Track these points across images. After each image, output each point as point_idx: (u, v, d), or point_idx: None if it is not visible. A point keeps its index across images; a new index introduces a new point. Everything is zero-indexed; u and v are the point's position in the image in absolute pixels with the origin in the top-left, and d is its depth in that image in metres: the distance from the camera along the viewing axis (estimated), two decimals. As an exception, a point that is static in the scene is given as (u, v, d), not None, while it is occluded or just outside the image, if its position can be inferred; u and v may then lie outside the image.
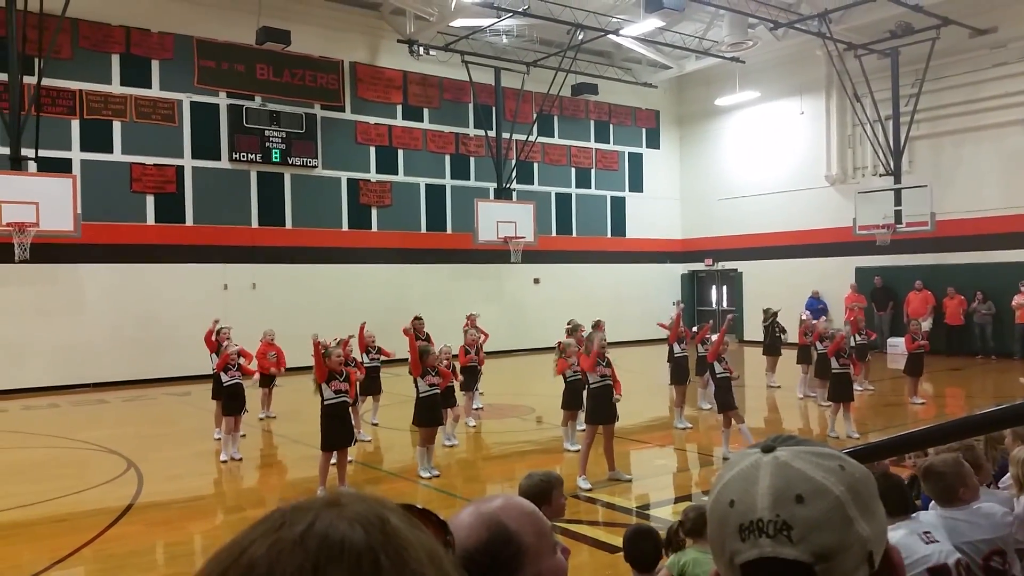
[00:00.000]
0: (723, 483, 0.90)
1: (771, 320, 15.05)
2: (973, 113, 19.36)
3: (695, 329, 12.87)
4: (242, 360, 10.41)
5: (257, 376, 11.81)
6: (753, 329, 19.69)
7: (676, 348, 12.42)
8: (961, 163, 19.70)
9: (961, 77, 19.49)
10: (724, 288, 25.99)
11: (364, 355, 11.68)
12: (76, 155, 16.76)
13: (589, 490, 8.14)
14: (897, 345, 17.97)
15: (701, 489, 8.33)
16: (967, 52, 19.23)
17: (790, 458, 0.86)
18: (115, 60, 17.29)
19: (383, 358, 11.92)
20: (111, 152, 17.19)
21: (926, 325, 19.57)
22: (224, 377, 10.15)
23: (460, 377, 11.42)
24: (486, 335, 13.05)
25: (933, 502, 3.55)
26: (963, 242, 19.25)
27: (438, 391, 8.90)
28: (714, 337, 10.70)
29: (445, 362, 9.82)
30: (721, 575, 0.89)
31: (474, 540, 1.33)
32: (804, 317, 14.87)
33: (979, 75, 19.22)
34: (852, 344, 12.10)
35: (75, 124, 16.79)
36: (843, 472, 0.85)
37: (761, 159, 24.03)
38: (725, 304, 25.81)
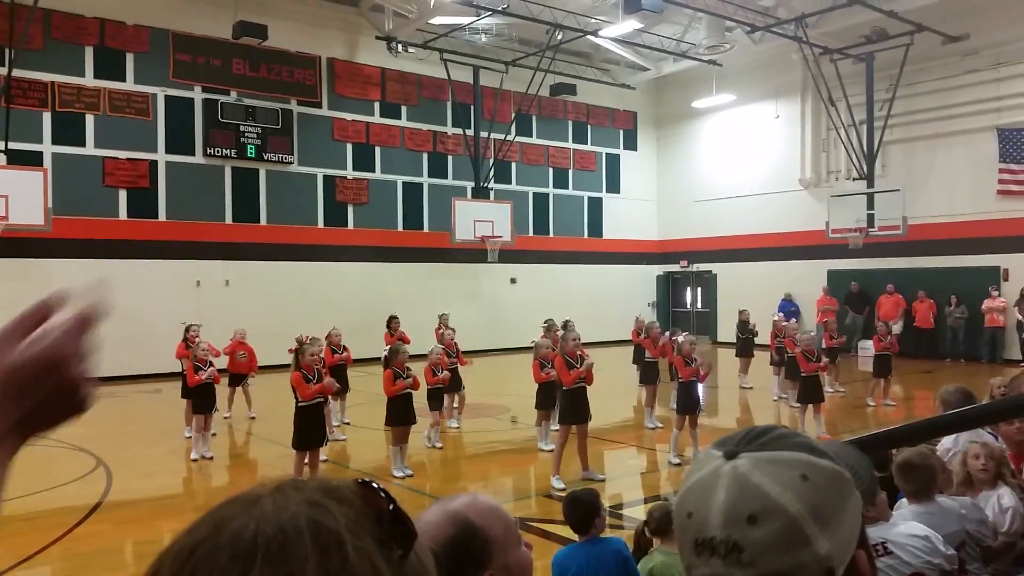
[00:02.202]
0: (685, 489, 0.88)
1: (743, 322, 15.21)
2: (945, 119, 19.62)
3: (663, 341, 12.49)
4: (212, 359, 10.24)
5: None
6: (726, 331, 19.83)
7: (646, 352, 12.40)
8: (933, 168, 19.96)
9: (934, 83, 19.76)
10: (699, 290, 26.15)
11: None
12: (47, 148, 16.52)
13: (563, 490, 8.14)
14: (868, 348, 18.17)
15: (673, 488, 8.38)
16: (940, 58, 19.49)
17: (749, 469, 0.83)
18: (88, 52, 17.07)
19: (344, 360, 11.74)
20: (84, 145, 16.97)
21: (897, 328, 19.85)
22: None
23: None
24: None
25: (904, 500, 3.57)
26: (934, 246, 19.51)
27: (410, 391, 8.86)
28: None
29: (441, 366, 9.90)
30: None
31: (441, 537, 1.34)
32: (776, 319, 14.99)
33: (951, 81, 19.49)
34: (823, 346, 12.23)
35: (47, 116, 16.56)
36: (804, 484, 0.82)
37: (737, 162, 24.21)
38: (700, 306, 25.98)
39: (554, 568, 4.10)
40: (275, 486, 0.66)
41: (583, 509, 4.16)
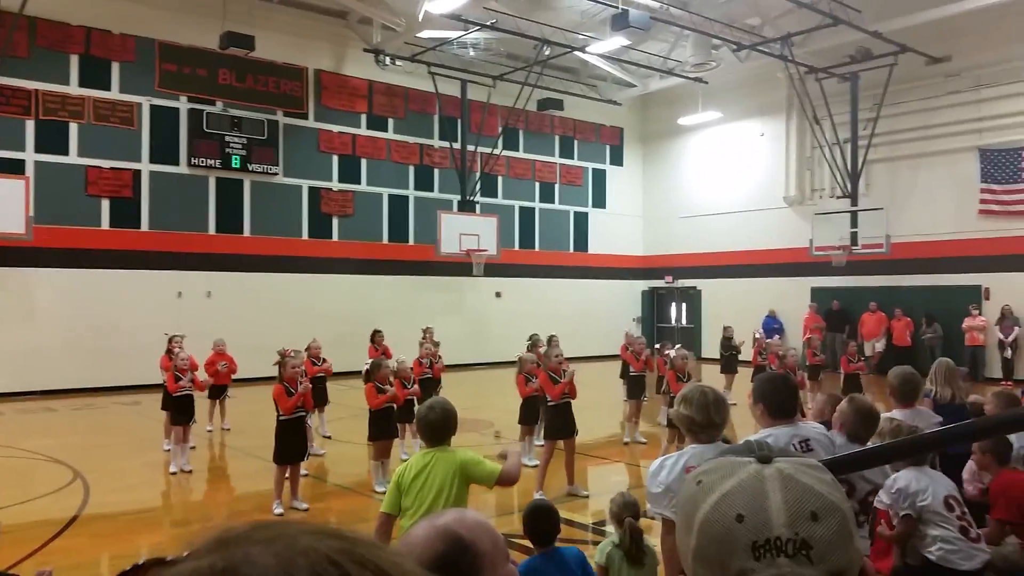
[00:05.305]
0: (721, 495, 0.84)
1: (727, 339, 15.27)
2: (928, 139, 19.86)
3: (645, 355, 12.44)
4: (195, 373, 10.17)
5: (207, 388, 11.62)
6: (710, 347, 19.90)
7: (631, 367, 12.39)
8: (916, 187, 20.16)
9: (917, 103, 19.98)
10: (683, 305, 26.23)
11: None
12: (30, 156, 16.40)
13: (545, 506, 8.10)
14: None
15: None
16: (923, 79, 19.73)
17: (794, 471, 0.84)
18: (74, 60, 16.97)
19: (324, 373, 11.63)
20: (67, 154, 16.84)
21: (880, 345, 19.99)
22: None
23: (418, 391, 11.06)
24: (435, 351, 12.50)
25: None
26: (917, 265, 19.68)
27: (392, 404, 8.80)
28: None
29: (413, 376, 9.83)
30: None
31: (431, 553, 1.34)
32: (758, 336, 15.05)
33: (934, 102, 19.73)
34: (806, 363, 12.29)
35: (30, 124, 16.43)
36: (837, 486, 0.84)
37: (722, 179, 24.36)
38: (684, 321, 26.05)
39: None
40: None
41: (553, 522, 4.17)
